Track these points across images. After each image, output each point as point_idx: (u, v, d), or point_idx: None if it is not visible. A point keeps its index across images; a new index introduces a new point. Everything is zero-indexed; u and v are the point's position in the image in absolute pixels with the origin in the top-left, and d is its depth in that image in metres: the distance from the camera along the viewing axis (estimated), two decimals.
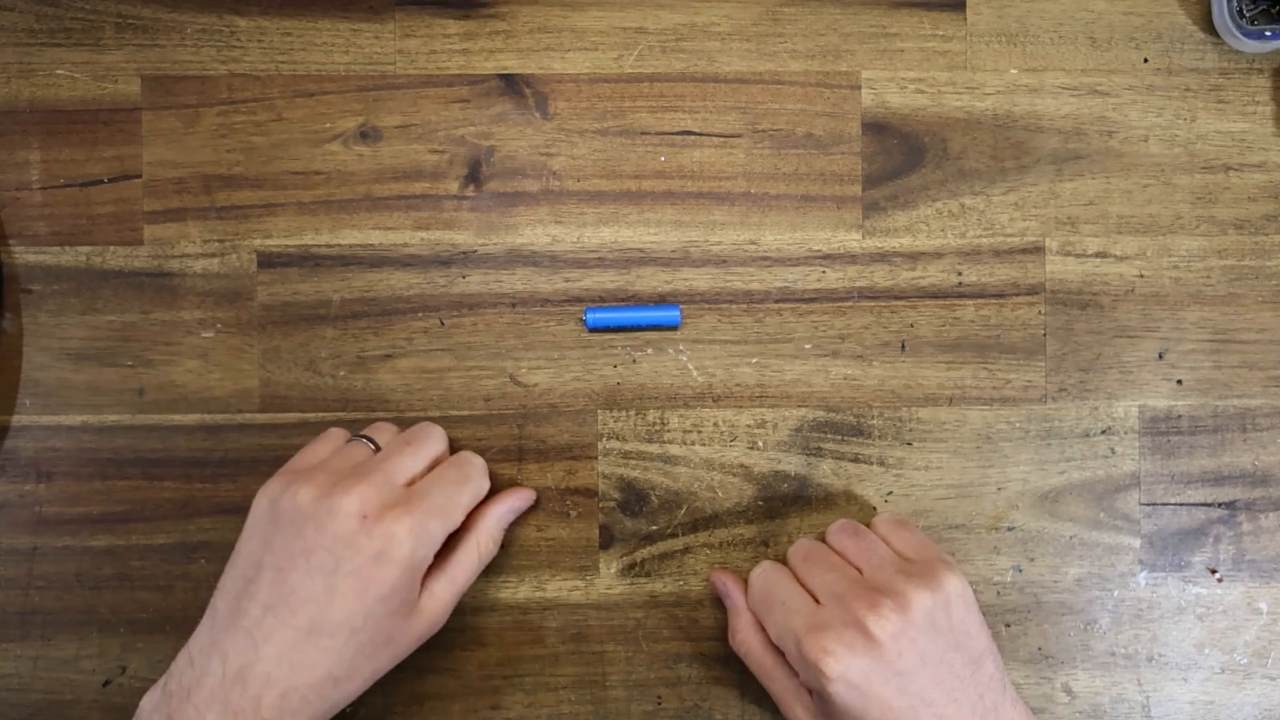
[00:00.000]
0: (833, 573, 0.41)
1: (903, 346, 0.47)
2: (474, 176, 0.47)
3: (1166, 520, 0.47)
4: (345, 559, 0.38)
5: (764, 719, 0.46)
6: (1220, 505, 0.47)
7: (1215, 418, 0.47)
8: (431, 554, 0.40)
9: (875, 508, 0.47)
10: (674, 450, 0.47)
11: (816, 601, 0.40)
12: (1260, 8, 0.46)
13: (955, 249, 0.47)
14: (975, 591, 0.41)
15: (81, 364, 0.46)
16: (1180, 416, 0.47)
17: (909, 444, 0.47)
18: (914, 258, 0.47)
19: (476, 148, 0.47)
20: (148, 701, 0.38)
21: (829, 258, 0.47)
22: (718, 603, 0.46)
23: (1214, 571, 0.47)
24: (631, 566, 0.47)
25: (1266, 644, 0.47)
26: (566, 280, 0.47)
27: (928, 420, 0.47)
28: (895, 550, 0.42)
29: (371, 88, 0.46)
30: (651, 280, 0.47)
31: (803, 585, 0.42)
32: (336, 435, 0.44)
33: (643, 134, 0.47)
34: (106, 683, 0.46)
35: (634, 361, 0.47)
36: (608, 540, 0.47)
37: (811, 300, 0.47)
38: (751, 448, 0.47)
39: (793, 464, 0.47)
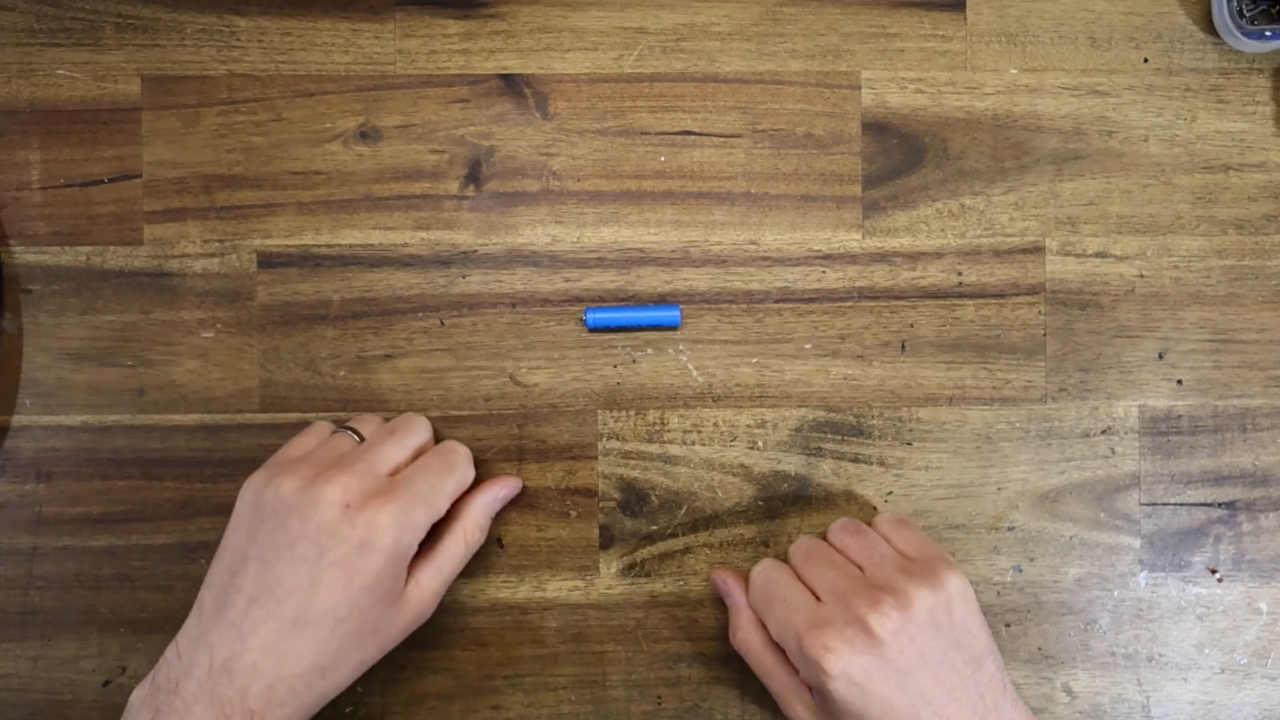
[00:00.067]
0: (834, 570, 0.41)
1: (903, 346, 0.47)
2: (474, 176, 0.47)
3: (1166, 520, 0.47)
4: (329, 549, 0.38)
5: (764, 718, 0.46)
6: (1220, 505, 0.47)
7: (1215, 418, 0.47)
8: (416, 542, 0.40)
9: (875, 508, 0.47)
10: (674, 450, 0.47)
11: (818, 599, 0.40)
12: (1260, 8, 0.46)
13: (955, 249, 0.47)
14: (975, 591, 0.41)
15: (81, 364, 0.46)
16: (1180, 416, 0.47)
17: (909, 444, 0.47)
18: (914, 258, 0.47)
19: (476, 148, 0.47)
20: (137, 695, 0.38)
21: (829, 258, 0.47)
22: (718, 602, 0.46)
23: (1214, 571, 0.47)
24: (631, 566, 0.47)
25: (1266, 644, 0.47)
26: (566, 280, 0.47)
27: (928, 420, 0.47)
28: (897, 549, 0.42)
29: (371, 88, 0.46)
30: (651, 280, 0.47)
31: (804, 583, 0.42)
32: (322, 428, 0.44)
33: (643, 134, 0.47)
34: (106, 683, 0.46)
35: (634, 361, 0.47)
36: (608, 540, 0.47)
37: (811, 300, 0.47)
38: (751, 448, 0.47)
39: (793, 464, 0.47)
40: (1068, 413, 0.47)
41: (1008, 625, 0.47)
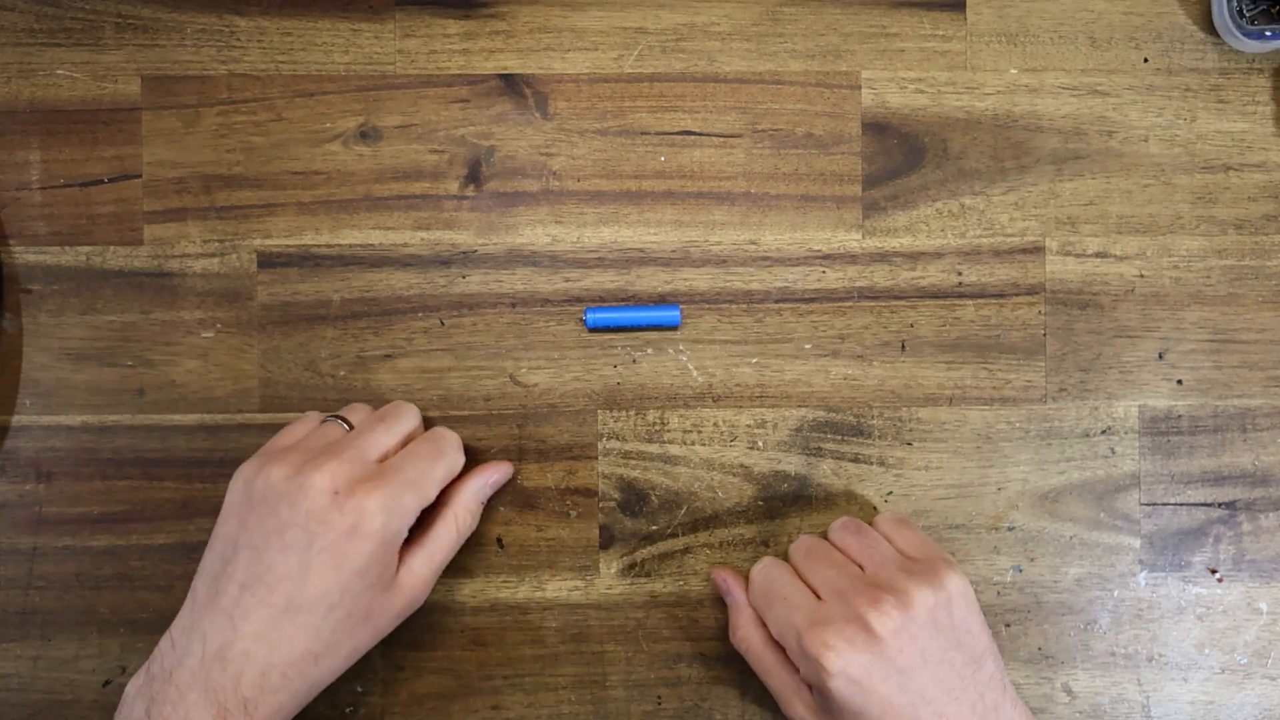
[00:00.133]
0: (835, 569, 0.41)
1: (903, 346, 0.47)
2: (474, 176, 0.47)
3: (1166, 520, 0.47)
4: (318, 535, 0.38)
5: (764, 718, 0.46)
6: (1220, 505, 0.47)
7: (1215, 418, 0.47)
8: (405, 528, 0.40)
9: (875, 508, 0.47)
10: (674, 450, 0.47)
11: (818, 597, 0.40)
12: (1260, 8, 0.46)
13: (955, 249, 0.47)
14: (975, 591, 0.41)
15: (81, 364, 0.46)
16: (1180, 416, 0.47)
17: (909, 444, 0.47)
18: (914, 258, 0.47)
19: (476, 148, 0.47)
20: (132, 686, 0.39)
21: (829, 258, 0.47)
22: (718, 602, 0.46)
23: (1214, 571, 0.47)
24: (631, 566, 0.47)
25: (1266, 644, 0.47)
26: (566, 280, 0.47)
27: (928, 420, 0.47)
28: (897, 548, 0.42)
29: (371, 88, 0.46)
30: (651, 280, 0.47)
31: (804, 581, 0.42)
32: (312, 417, 0.44)
33: (643, 134, 0.47)
34: (106, 683, 0.46)
35: (634, 361, 0.47)
36: (608, 540, 0.47)
37: (811, 300, 0.47)
38: (751, 448, 0.47)
39: (793, 464, 0.47)
40: (1068, 413, 0.47)
41: (1008, 625, 0.47)
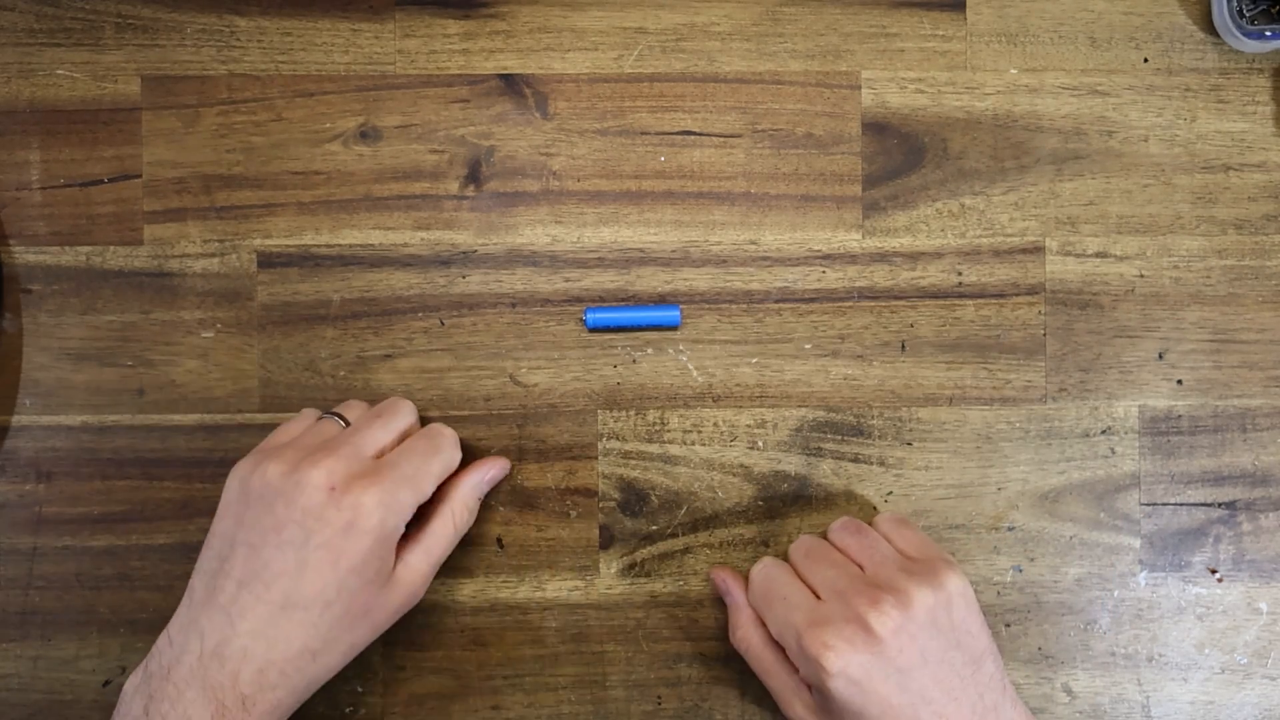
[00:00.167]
0: (834, 569, 0.41)
1: (903, 346, 0.47)
2: (474, 176, 0.47)
3: (1166, 520, 0.47)
4: (315, 532, 0.38)
5: (764, 718, 0.46)
6: (1220, 505, 0.47)
7: (1215, 418, 0.47)
8: (402, 524, 0.40)
9: (875, 508, 0.47)
10: (674, 450, 0.47)
11: (818, 597, 0.40)
12: (1260, 8, 0.46)
13: (955, 249, 0.47)
14: (975, 591, 0.41)
15: (81, 364, 0.46)
16: (1180, 416, 0.47)
17: (909, 444, 0.47)
18: (914, 258, 0.47)
19: (476, 148, 0.47)
20: (130, 684, 0.39)
21: (829, 258, 0.47)
22: (718, 602, 0.46)
23: (1214, 571, 0.47)
24: (631, 566, 0.47)
25: (1266, 644, 0.47)
26: (566, 280, 0.47)
27: (928, 420, 0.47)
28: (897, 549, 0.42)
29: (371, 88, 0.46)
30: (651, 280, 0.47)
31: (804, 581, 0.42)
32: (308, 414, 0.44)
33: (643, 134, 0.47)
34: (106, 683, 0.46)
35: (634, 361, 0.47)
36: (608, 540, 0.47)
37: (811, 300, 0.47)
38: (751, 448, 0.47)
39: (793, 464, 0.47)
40: (1068, 413, 0.47)
41: (1008, 625, 0.47)
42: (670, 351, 0.47)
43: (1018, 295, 0.47)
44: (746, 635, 0.43)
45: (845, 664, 0.38)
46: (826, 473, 0.47)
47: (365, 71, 0.46)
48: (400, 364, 0.46)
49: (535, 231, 0.47)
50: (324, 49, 0.46)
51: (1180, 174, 0.47)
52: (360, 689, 0.46)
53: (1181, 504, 0.47)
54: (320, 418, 0.43)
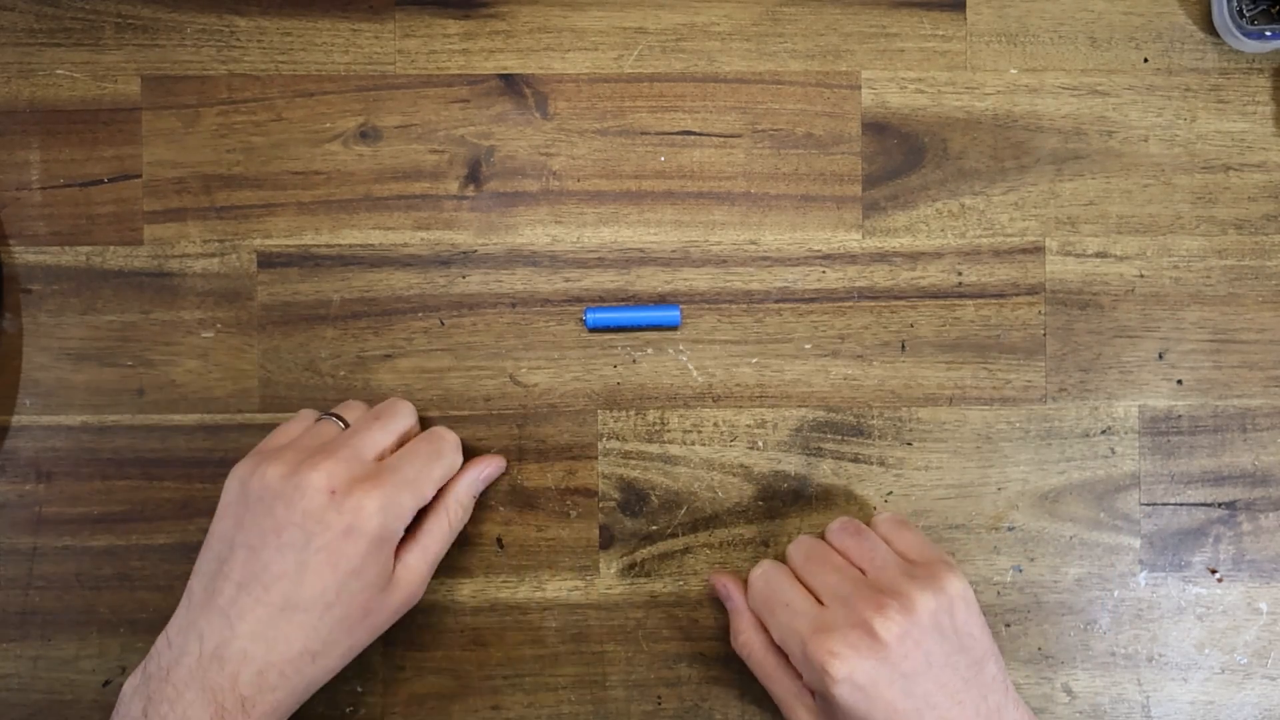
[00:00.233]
0: (836, 574, 0.41)
1: (903, 346, 0.47)
2: (474, 176, 0.47)
3: (1166, 520, 0.47)
4: (315, 534, 0.38)
5: (764, 719, 0.46)
6: (1220, 505, 0.47)
7: (1215, 418, 0.47)
8: (402, 528, 0.40)
9: (875, 508, 0.47)
10: (674, 450, 0.47)
11: (819, 602, 0.40)
12: (1260, 8, 0.46)
13: (955, 249, 0.47)
14: (975, 591, 0.41)
15: (81, 364, 0.46)
16: (1180, 416, 0.47)
17: (909, 444, 0.47)
18: (914, 258, 0.47)
19: (476, 148, 0.47)
20: (129, 686, 0.39)
21: (829, 258, 0.47)
22: (718, 603, 0.46)
23: (1214, 571, 0.47)
24: (631, 566, 0.47)
25: (1266, 644, 0.47)
26: (566, 280, 0.47)
27: (928, 420, 0.47)
28: (897, 551, 0.42)
29: (371, 88, 0.46)
30: (651, 280, 0.47)
31: (805, 585, 0.42)
32: (307, 415, 0.44)
33: (643, 134, 0.47)
34: (106, 683, 0.46)
35: (634, 361, 0.47)
36: (608, 540, 0.47)
37: (811, 300, 0.47)
38: (751, 448, 0.47)
39: (793, 464, 0.47)
40: (1068, 413, 0.47)
41: (1008, 625, 0.47)
42: (670, 351, 0.47)
43: (1018, 295, 0.47)
44: (749, 641, 0.43)
45: (851, 670, 0.38)
46: (826, 473, 0.47)
47: (365, 71, 0.46)
48: (400, 364, 0.46)
49: (535, 231, 0.47)
50: (324, 49, 0.46)
51: (1180, 174, 0.47)
52: (360, 689, 0.46)
53: (1181, 504, 0.47)
54: (319, 419, 0.43)
